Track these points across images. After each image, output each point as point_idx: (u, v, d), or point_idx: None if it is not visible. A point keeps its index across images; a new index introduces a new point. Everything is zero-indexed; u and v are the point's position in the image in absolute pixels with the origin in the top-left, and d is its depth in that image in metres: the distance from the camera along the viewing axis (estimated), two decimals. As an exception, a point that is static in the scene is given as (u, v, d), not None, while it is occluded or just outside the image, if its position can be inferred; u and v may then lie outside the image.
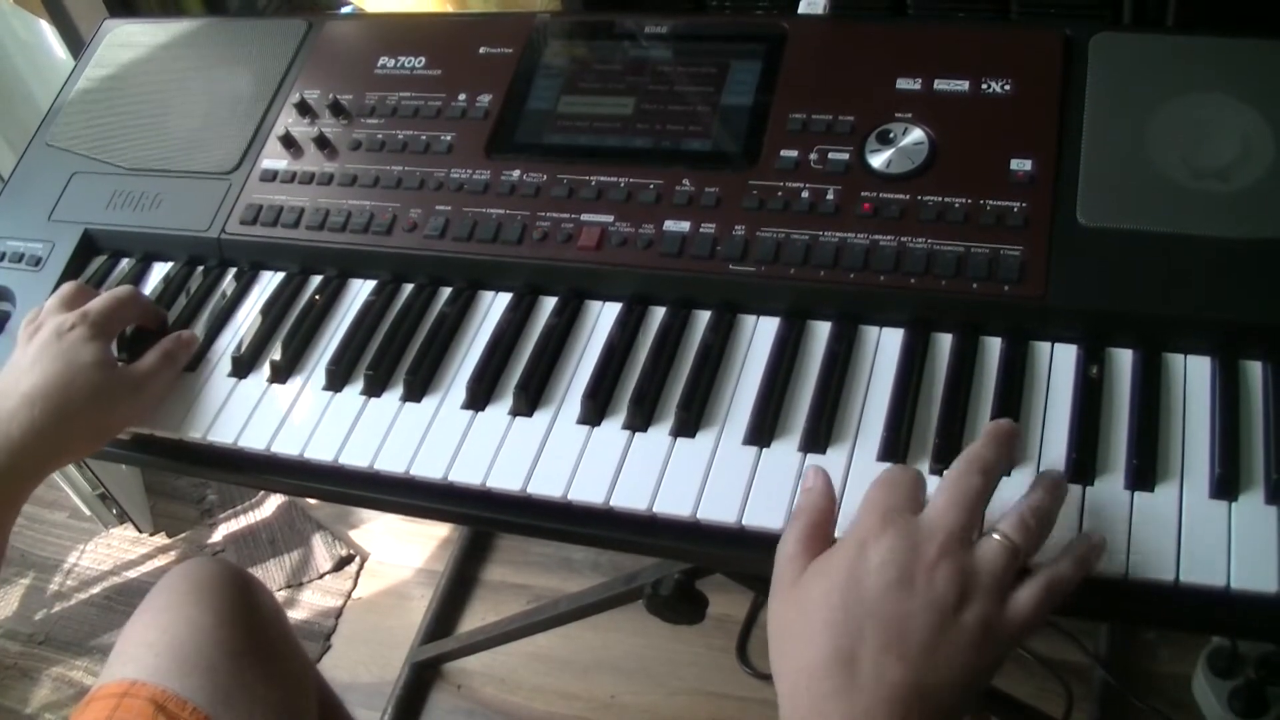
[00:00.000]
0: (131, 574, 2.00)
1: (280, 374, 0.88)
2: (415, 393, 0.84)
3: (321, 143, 0.98)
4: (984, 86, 0.85)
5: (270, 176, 0.98)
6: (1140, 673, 1.53)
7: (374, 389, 0.85)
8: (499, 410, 0.82)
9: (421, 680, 1.74)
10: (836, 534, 0.67)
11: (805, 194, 0.83)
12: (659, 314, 0.85)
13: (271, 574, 1.94)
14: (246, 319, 0.94)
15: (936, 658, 0.58)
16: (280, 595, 1.90)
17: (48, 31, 1.80)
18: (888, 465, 0.67)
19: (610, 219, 0.87)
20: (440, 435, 0.81)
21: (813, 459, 0.74)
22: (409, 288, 0.92)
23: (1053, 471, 0.68)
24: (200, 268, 0.99)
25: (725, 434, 0.76)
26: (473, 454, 0.79)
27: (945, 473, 0.64)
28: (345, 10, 1.31)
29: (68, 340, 0.85)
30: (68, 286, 0.92)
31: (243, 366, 0.90)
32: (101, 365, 0.85)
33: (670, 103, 0.92)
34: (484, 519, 0.81)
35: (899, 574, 0.60)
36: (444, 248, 0.90)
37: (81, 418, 0.84)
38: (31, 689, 1.83)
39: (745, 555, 0.73)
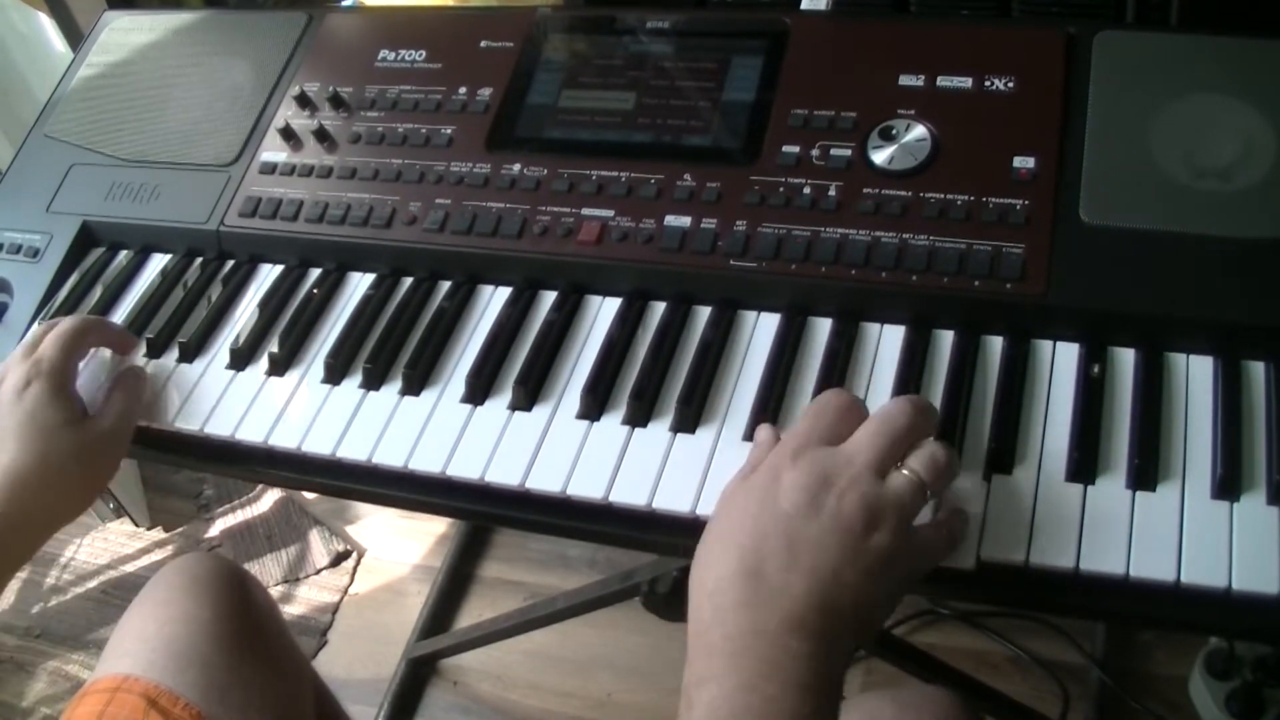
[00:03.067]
0: (128, 568, 1.99)
1: (279, 367, 0.88)
2: (414, 386, 0.84)
3: (321, 135, 0.98)
4: (987, 84, 0.84)
5: (269, 169, 0.98)
6: (1137, 674, 1.53)
7: (372, 382, 0.85)
8: (498, 405, 0.81)
9: (418, 676, 1.74)
10: None
11: (807, 190, 0.83)
12: (659, 309, 0.85)
13: (268, 569, 1.94)
14: (245, 312, 0.93)
15: (840, 579, 0.60)
16: (277, 590, 1.90)
17: (46, 24, 1.80)
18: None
19: (611, 214, 0.86)
20: (439, 429, 0.81)
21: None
22: (408, 281, 0.92)
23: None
24: (199, 260, 0.99)
25: (725, 430, 0.76)
26: (471, 448, 0.79)
27: (878, 408, 0.65)
28: (345, 3, 1.31)
29: (27, 400, 0.82)
30: (31, 333, 0.89)
31: (241, 359, 0.89)
32: (68, 425, 0.83)
33: (672, 98, 0.91)
34: (482, 513, 0.81)
35: (809, 498, 0.61)
36: (443, 241, 0.90)
37: (63, 490, 0.83)
38: (28, 682, 1.83)
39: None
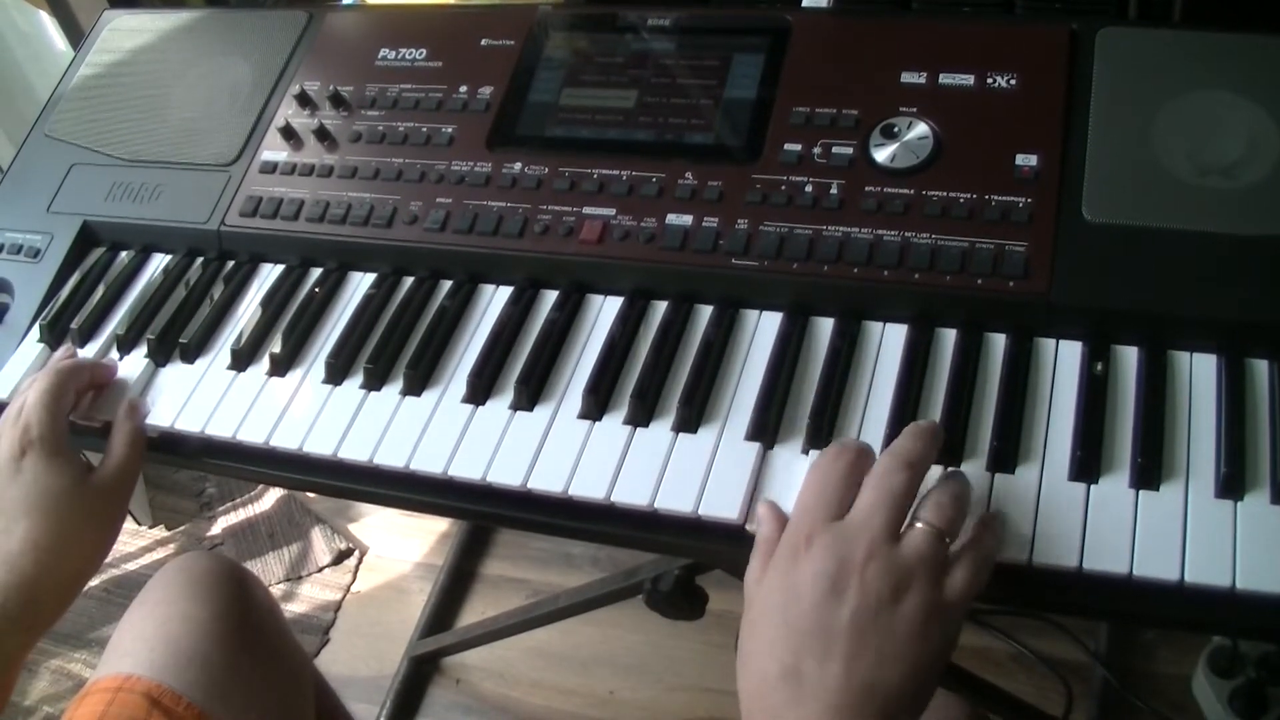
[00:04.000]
0: (130, 566, 1.99)
1: (280, 367, 0.88)
2: (415, 387, 0.84)
3: (322, 134, 0.97)
4: (989, 81, 0.84)
5: (270, 168, 0.97)
6: (1140, 672, 1.52)
7: (374, 383, 0.85)
8: (500, 405, 0.81)
9: (420, 674, 1.74)
10: None
11: (809, 188, 0.83)
12: (661, 308, 0.84)
13: (270, 567, 1.94)
14: (246, 312, 0.93)
15: (881, 654, 0.59)
16: (279, 589, 1.90)
17: (47, 22, 1.80)
18: (828, 449, 0.68)
19: (612, 212, 0.86)
20: (440, 430, 0.80)
21: (815, 455, 0.73)
22: (409, 281, 0.92)
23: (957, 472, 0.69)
24: (199, 260, 0.99)
25: (727, 430, 0.76)
26: (473, 449, 0.79)
27: (872, 469, 0.65)
28: (346, 1, 1.30)
29: (27, 471, 0.81)
30: (17, 393, 0.88)
31: (242, 359, 0.89)
32: (74, 487, 0.82)
33: (673, 96, 0.91)
34: (484, 514, 0.80)
35: (831, 584, 0.60)
36: (445, 241, 0.89)
37: (81, 550, 0.84)
38: (30, 681, 1.83)
39: (746, 551, 0.73)
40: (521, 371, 0.82)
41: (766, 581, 0.64)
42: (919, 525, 0.62)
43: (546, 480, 0.76)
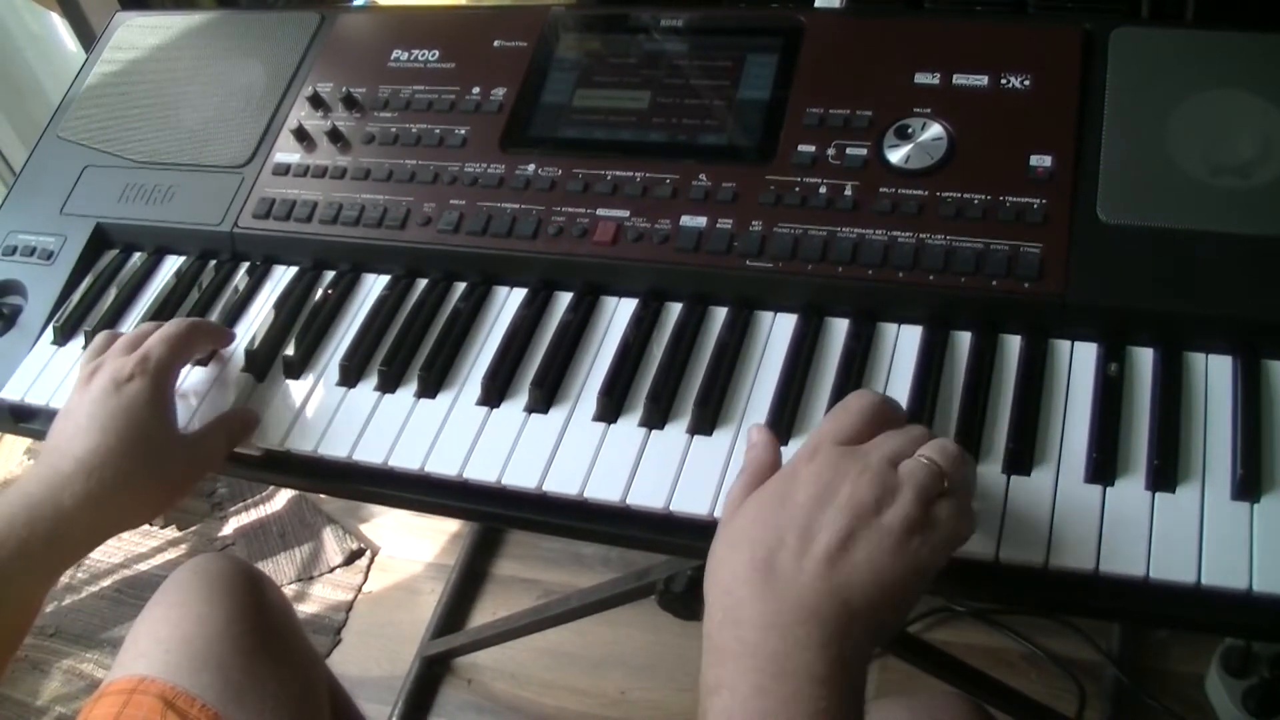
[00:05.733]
0: (142, 567, 1.99)
1: (294, 370, 0.88)
2: (430, 389, 0.84)
3: (335, 136, 0.97)
4: (1003, 81, 0.84)
5: (283, 170, 0.98)
6: (1153, 671, 1.52)
7: (388, 385, 0.85)
8: (514, 407, 0.81)
9: (432, 675, 1.74)
10: None
11: (823, 189, 0.83)
12: (675, 310, 0.84)
13: (282, 568, 1.94)
14: (259, 314, 0.93)
15: (853, 558, 0.58)
16: (290, 589, 1.90)
17: (59, 24, 1.81)
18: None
19: (626, 214, 0.86)
20: (455, 432, 0.80)
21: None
22: (423, 283, 0.92)
23: None
24: (213, 262, 0.99)
25: (742, 432, 0.76)
26: (488, 451, 0.79)
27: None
28: (358, 3, 1.31)
29: (126, 396, 0.79)
30: (139, 329, 0.86)
31: (256, 362, 0.89)
32: (162, 431, 0.80)
33: (686, 96, 0.91)
34: (499, 516, 0.81)
35: (823, 487, 0.61)
36: (458, 242, 0.89)
37: (139, 491, 0.80)
38: (42, 681, 1.83)
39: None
40: (536, 373, 0.82)
41: (757, 493, 0.64)
42: (920, 458, 0.62)
43: (561, 482, 0.76)
